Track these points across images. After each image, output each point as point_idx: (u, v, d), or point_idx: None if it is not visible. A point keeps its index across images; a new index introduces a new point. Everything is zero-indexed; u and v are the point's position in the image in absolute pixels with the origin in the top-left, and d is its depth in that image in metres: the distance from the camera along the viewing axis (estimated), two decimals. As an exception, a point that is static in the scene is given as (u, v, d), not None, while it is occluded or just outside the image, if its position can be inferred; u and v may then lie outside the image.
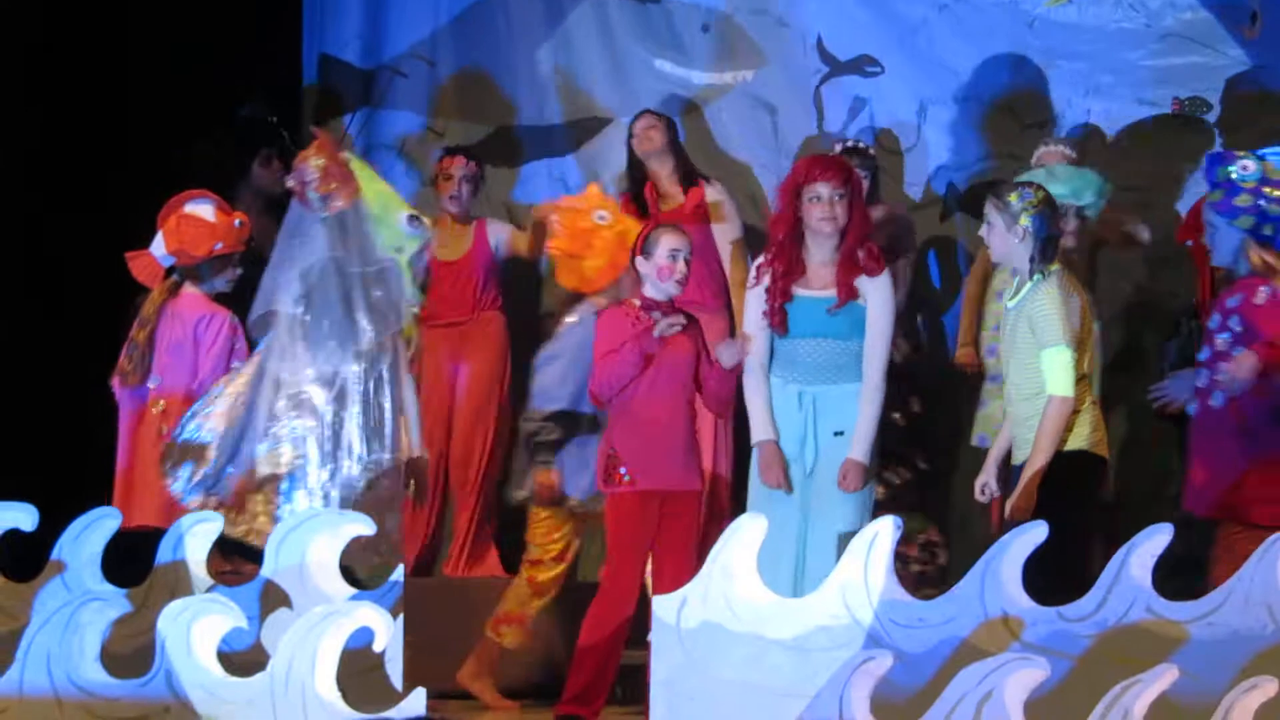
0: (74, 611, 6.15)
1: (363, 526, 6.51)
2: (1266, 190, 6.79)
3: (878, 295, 7.23)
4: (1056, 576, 6.21)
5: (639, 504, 7.08)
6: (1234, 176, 6.80)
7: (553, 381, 7.71)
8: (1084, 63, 9.27)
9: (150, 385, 7.92)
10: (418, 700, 5.74)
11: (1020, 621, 5.95)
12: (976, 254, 8.73)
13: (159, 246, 7.98)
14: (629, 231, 7.69)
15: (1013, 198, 7.07)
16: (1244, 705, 5.57)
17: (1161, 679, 5.49)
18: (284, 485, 7.21)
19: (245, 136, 9.06)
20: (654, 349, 7.08)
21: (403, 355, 7.31)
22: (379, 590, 6.40)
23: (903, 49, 9.46)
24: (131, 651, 6.23)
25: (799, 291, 7.24)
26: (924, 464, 8.64)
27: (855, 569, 6.04)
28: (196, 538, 6.59)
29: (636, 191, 8.88)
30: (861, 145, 8.79)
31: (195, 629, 5.97)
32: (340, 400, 7.23)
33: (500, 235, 9.15)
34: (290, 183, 7.43)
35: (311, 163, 7.30)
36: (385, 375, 7.26)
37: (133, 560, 6.69)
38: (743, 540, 6.12)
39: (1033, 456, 6.95)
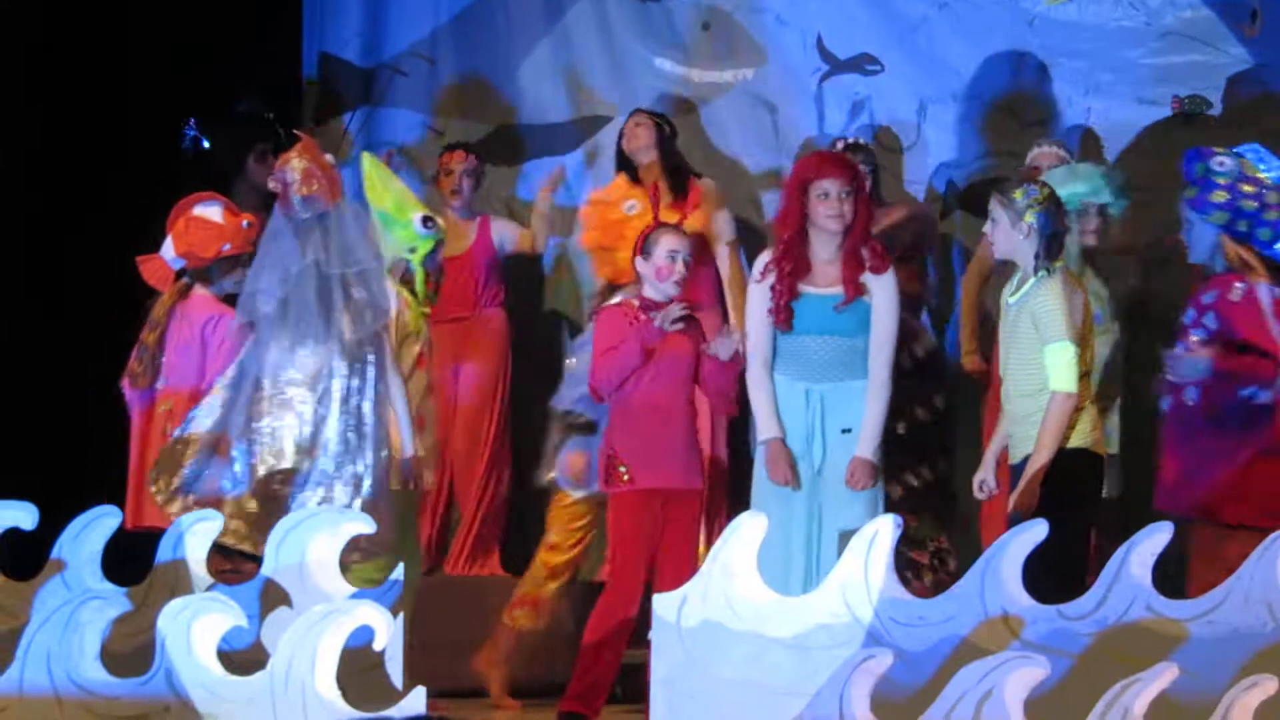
0: (74, 610, 6.14)
1: (362, 525, 6.51)
2: (1242, 187, 6.79)
3: (883, 293, 7.22)
4: (1056, 574, 6.22)
5: (640, 503, 7.08)
6: (1210, 173, 6.81)
7: (586, 367, 7.73)
8: (1084, 61, 9.26)
9: (158, 386, 7.94)
10: (418, 699, 5.73)
11: (1020, 620, 5.95)
12: (974, 252, 8.73)
13: (168, 249, 8.01)
14: (667, 217, 7.74)
15: (1018, 194, 7.06)
16: (1244, 704, 5.57)
17: (1161, 677, 5.49)
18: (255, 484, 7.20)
19: (242, 132, 9.05)
20: (655, 341, 7.08)
21: (389, 355, 7.28)
22: (379, 589, 6.40)
23: (903, 47, 9.46)
24: (131, 650, 6.23)
25: (805, 289, 7.22)
26: (945, 465, 8.57)
27: (855, 567, 6.04)
28: (196, 536, 6.59)
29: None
30: (862, 142, 8.79)
31: (195, 628, 5.97)
32: (320, 401, 7.21)
33: (504, 232, 9.17)
34: (272, 185, 7.43)
35: (293, 164, 7.30)
36: (368, 375, 7.24)
37: (133, 559, 6.69)
38: (743, 538, 6.12)
39: (1036, 453, 6.94)
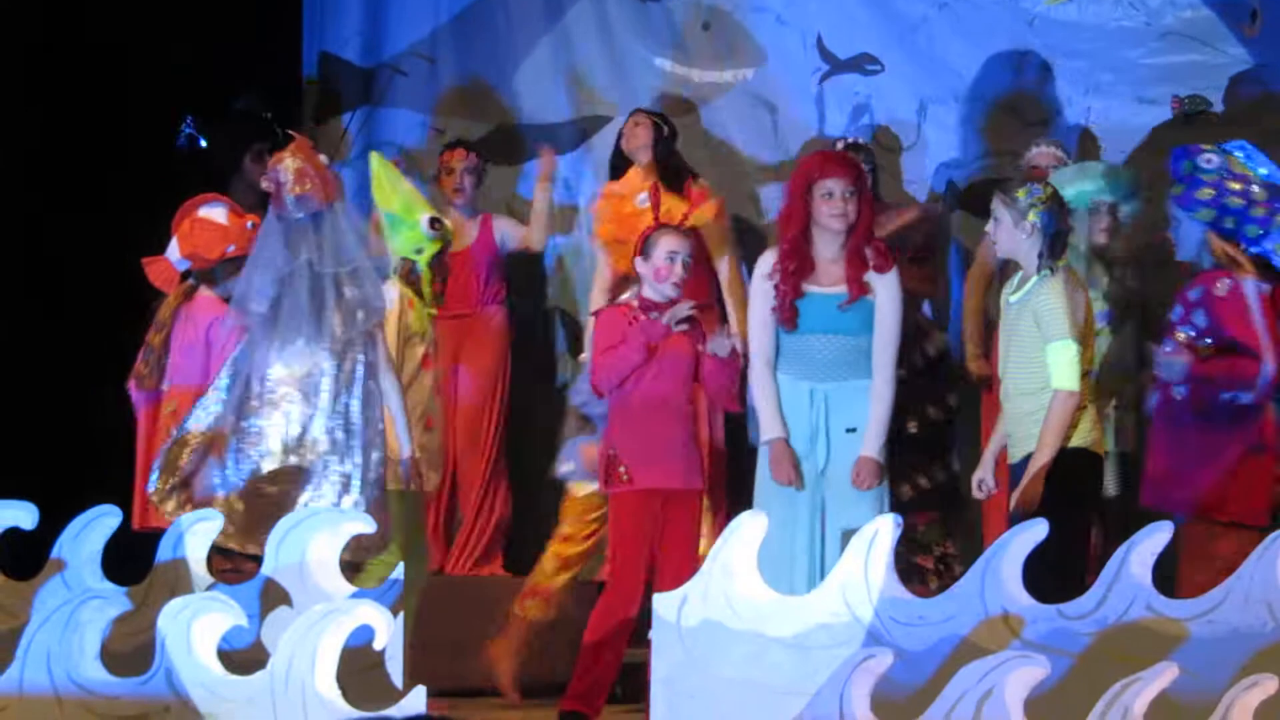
0: (74, 610, 6.14)
1: (363, 525, 6.51)
2: (1228, 184, 6.80)
3: (887, 291, 7.22)
4: (1056, 574, 6.22)
5: (639, 503, 7.08)
6: (1197, 170, 6.82)
7: None
8: (1084, 61, 9.26)
9: (164, 387, 7.95)
10: (418, 698, 5.73)
11: (1020, 619, 5.95)
12: (974, 253, 8.73)
13: (173, 251, 8.02)
14: (673, 210, 7.75)
15: (1021, 193, 7.06)
16: (1244, 703, 5.57)
17: (1161, 677, 5.49)
18: (248, 484, 7.20)
19: (239, 131, 9.06)
20: (659, 339, 7.09)
21: (383, 354, 7.26)
22: (379, 588, 6.40)
23: (903, 47, 9.46)
24: (132, 650, 6.23)
25: (809, 288, 7.22)
26: (959, 465, 8.54)
27: (855, 567, 6.04)
28: (196, 536, 6.59)
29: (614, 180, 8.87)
30: (861, 142, 8.79)
31: (195, 627, 5.97)
32: (309, 400, 7.21)
33: (506, 230, 9.18)
34: (265, 184, 7.44)
35: (286, 164, 7.29)
36: (357, 374, 7.23)
37: (133, 558, 6.69)
38: (743, 538, 6.12)
39: (1039, 451, 6.93)
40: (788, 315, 7.20)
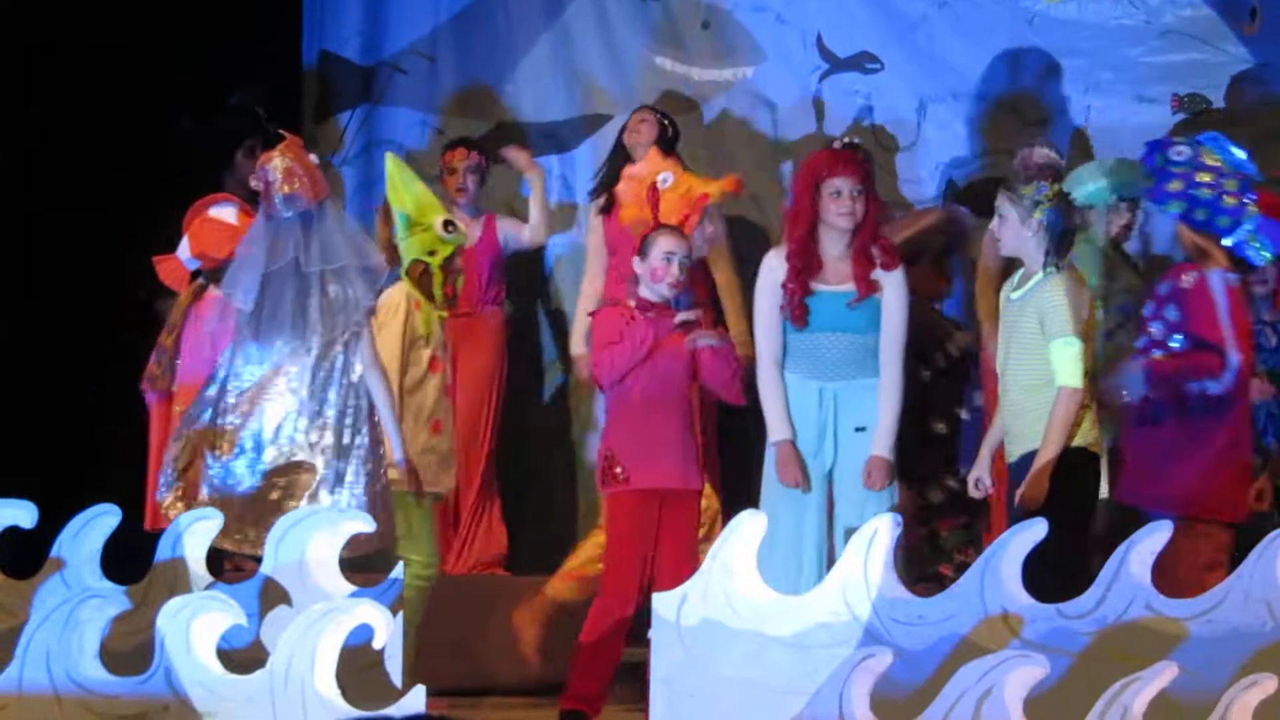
0: (73, 609, 6.14)
1: (362, 524, 6.51)
2: (1198, 176, 6.81)
3: (893, 289, 7.23)
4: (1055, 573, 6.21)
5: (637, 503, 7.09)
6: (1168, 163, 6.82)
7: None
8: (1084, 59, 9.26)
9: (174, 388, 7.96)
10: (417, 697, 5.73)
11: (1020, 619, 5.95)
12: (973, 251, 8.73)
13: (184, 250, 8.01)
14: (693, 189, 7.75)
15: (1028, 191, 7.06)
16: (1243, 702, 5.57)
17: (1161, 676, 5.49)
18: (230, 483, 7.20)
19: (232, 126, 9.05)
20: (664, 334, 7.09)
21: (369, 355, 7.23)
22: (379, 587, 6.39)
23: (902, 46, 9.46)
24: (131, 649, 6.23)
25: (818, 286, 7.22)
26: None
27: (855, 566, 6.04)
28: (195, 535, 6.59)
29: (611, 178, 8.84)
30: (858, 142, 8.76)
31: (195, 626, 5.96)
32: (289, 399, 7.20)
33: (508, 230, 9.17)
34: (254, 183, 7.43)
35: (274, 163, 7.28)
36: (336, 374, 7.22)
37: (132, 557, 6.69)
38: (743, 537, 6.12)
39: (1044, 447, 6.93)
40: (798, 314, 7.19)
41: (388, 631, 6.10)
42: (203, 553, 6.59)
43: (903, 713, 5.71)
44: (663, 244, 7.22)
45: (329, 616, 5.88)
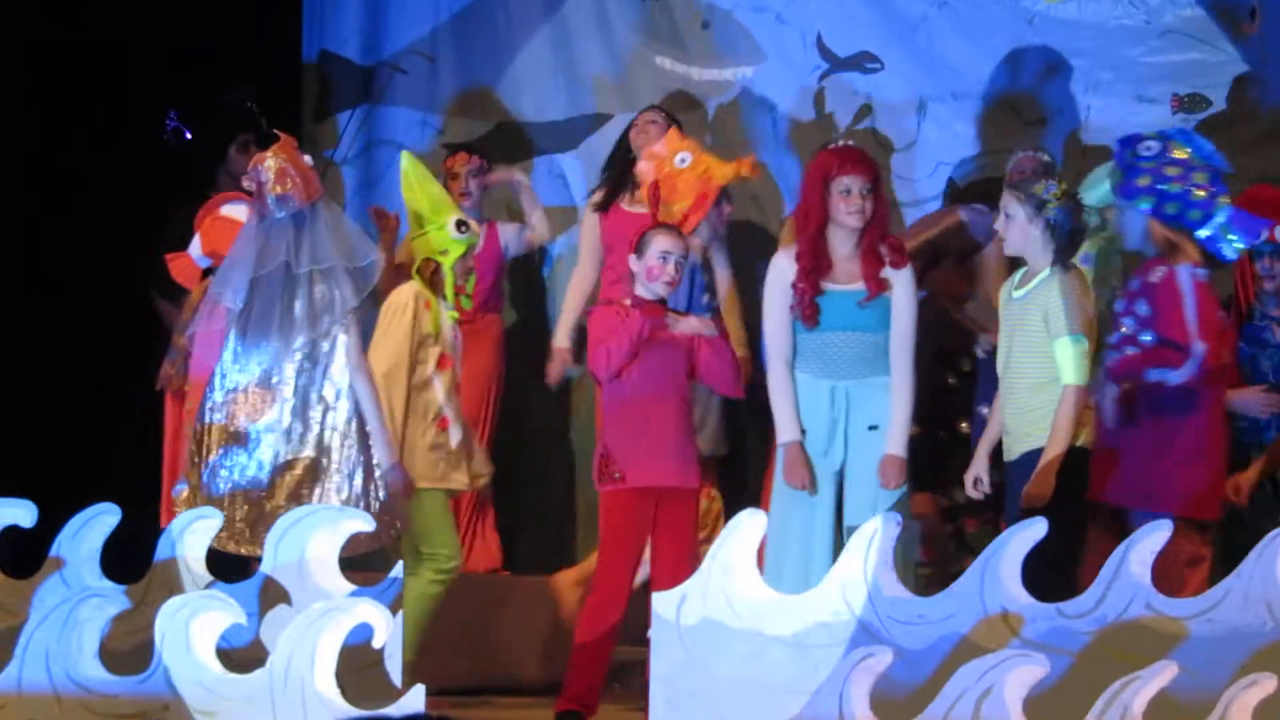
0: (73, 608, 6.15)
1: (362, 523, 6.51)
2: (1166, 170, 6.81)
3: (903, 288, 7.21)
4: (1055, 571, 6.21)
5: (632, 502, 7.08)
6: (1137, 158, 6.82)
7: None
8: (1084, 59, 9.25)
9: (186, 387, 7.98)
10: (417, 697, 5.73)
11: (1019, 618, 5.95)
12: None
13: (195, 248, 8.01)
14: (711, 168, 7.75)
15: (1037, 189, 7.06)
16: (1243, 702, 5.57)
17: (1161, 676, 5.49)
18: (216, 484, 7.20)
19: (226, 122, 9.04)
20: (660, 330, 7.09)
21: (355, 356, 7.22)
22: (379, 587, 6.39)
23: (902, 45, 9.45)
24: (130, 648, 6.23)
25: (827, 285, 7.21)
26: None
27: (855, 565, 6.03)
28: (194, 535, 6.59)
29: (611, 176, 8.82)
30: (855, 145, 8.75)
31: (194, 625, 5.97)
32: (273, 399, 7.19)
33: (510, 236, 9.17)
34: (246, 183, 7.43)
35: (267, 163, 7.28)
36: (316, 374, 7.21)
37: (132, 556, 6.69)
38: (743, 537, 6.12)
39: (1051, 445, 6.92)
40: (809, 313, 7.17)
41: (387, 631, 6.10)
42: (202, 552, 6.59)
43: (902, 712, 5.71)
44: (659, 243, 7.22)
45: (329, 616, 5.88)
